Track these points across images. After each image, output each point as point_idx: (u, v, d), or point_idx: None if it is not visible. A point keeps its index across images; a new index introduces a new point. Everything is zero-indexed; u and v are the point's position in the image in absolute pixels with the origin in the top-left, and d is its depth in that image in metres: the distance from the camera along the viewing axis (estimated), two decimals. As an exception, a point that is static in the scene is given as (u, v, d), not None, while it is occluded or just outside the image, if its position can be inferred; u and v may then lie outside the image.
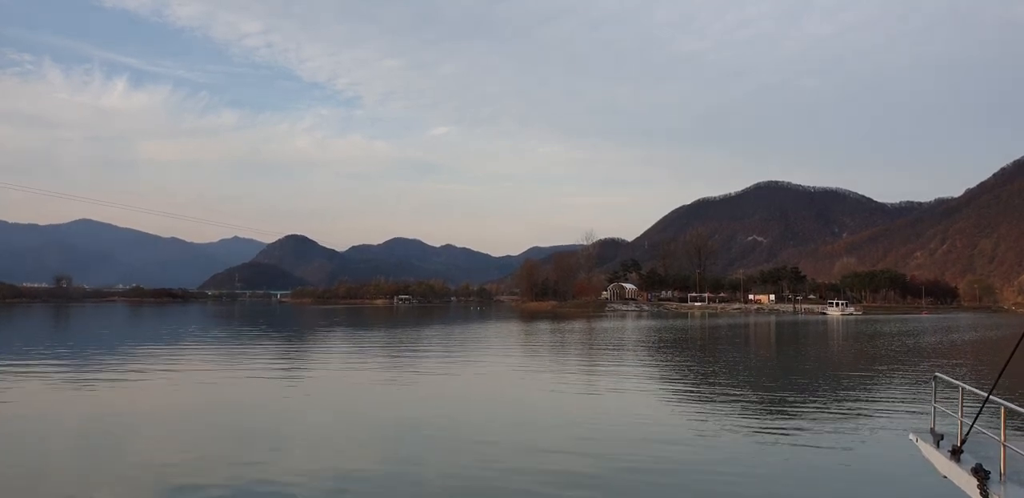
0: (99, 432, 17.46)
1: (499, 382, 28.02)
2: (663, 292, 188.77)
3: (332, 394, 24.23)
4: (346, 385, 26.73)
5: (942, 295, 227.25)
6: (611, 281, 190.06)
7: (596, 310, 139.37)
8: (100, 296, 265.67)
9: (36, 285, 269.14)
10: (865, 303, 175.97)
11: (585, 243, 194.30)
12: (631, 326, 78.27)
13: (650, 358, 39.07)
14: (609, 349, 45.00)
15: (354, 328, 73.18)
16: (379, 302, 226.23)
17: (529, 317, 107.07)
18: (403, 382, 27.36)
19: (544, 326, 77.51)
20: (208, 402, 22.22)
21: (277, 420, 19.33)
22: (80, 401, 22.17)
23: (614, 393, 24.58)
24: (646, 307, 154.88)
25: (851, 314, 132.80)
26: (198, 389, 25.14)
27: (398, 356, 39.21)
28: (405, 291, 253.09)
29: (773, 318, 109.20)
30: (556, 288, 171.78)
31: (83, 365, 32.41)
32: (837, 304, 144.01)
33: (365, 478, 13.09)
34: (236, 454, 14.91)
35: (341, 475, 13.23)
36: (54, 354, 38.05)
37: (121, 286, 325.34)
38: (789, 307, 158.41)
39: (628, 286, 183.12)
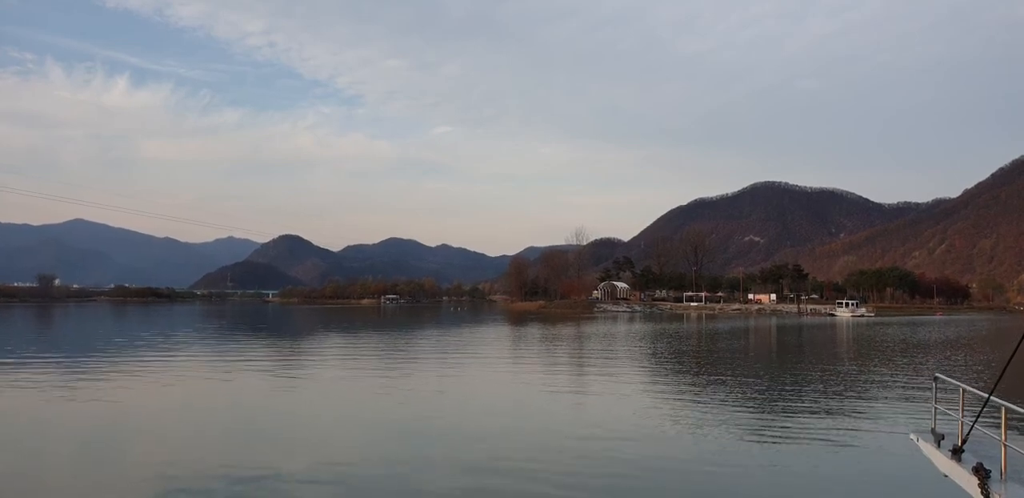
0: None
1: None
2: (657, 291, 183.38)
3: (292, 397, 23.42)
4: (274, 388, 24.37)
5: (952, 295, 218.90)
6: (603, 280, 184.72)
7: (584, 311, 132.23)
8: (83, 296, 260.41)
9: (23, 284, 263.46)
10: (872, 303, 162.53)
11: (575, 241, 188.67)
12: (617, 332, 71.93)
13: (643, 369, 35.28)
14: (592, 366, 40.33)
15: (290, 335, 67.45)
16: (365, 302, 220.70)
17: (510, 318, 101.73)
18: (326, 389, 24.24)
19: (515, 332, 71.98)
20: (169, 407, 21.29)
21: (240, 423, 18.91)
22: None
23: (605, 398, 23.56)
24: (638, 308, 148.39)
25: (863, 315, 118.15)
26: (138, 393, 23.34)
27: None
28: (393, 290, 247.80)
29: (775, 321, 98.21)
30: (546, 287, 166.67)
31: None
32: (847, 304, 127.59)
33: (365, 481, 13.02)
34: (232, 455, 14.85)
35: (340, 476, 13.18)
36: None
37: (113, 286, 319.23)
38: (792, 307, 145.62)
39: (620, 285, 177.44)
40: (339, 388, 25.66)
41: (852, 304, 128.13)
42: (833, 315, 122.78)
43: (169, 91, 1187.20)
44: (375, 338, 56.17)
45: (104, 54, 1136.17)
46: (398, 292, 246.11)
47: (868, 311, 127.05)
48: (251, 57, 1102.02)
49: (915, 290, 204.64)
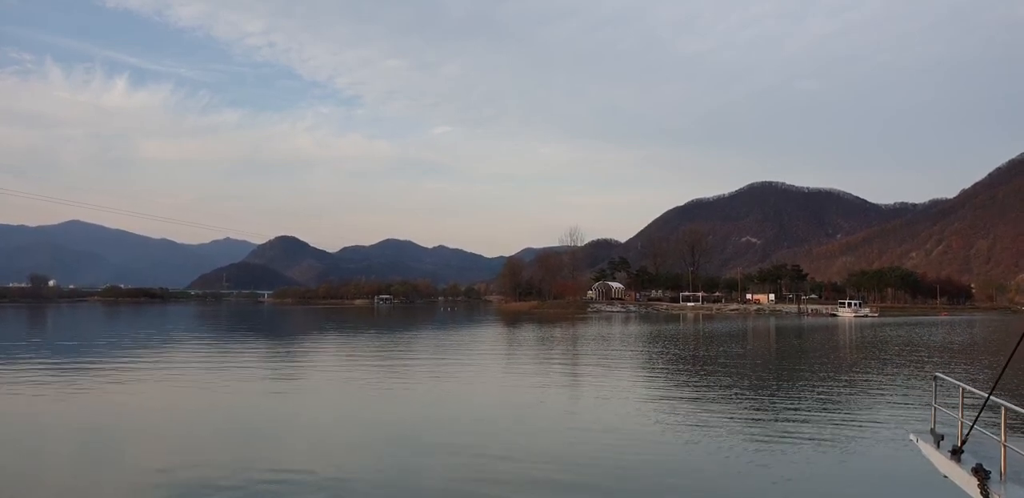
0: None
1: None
2: (653, 291, 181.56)
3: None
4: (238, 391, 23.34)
5: (954, 295, 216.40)
6: (598, 280, 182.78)
7: (577, 311, 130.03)
8: (76, 296, 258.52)
9: (17, 285, 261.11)
10: (873, 303, 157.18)
11: (570, 241, 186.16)
12: (610, 333, 69.42)
13: (637, 370, 34.04)
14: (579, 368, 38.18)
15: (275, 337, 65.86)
16: (358, 302, 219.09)
17: (501, 319, 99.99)
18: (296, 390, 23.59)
19: (501, 334, 69.98)
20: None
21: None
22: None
23: (605, 395, 23.53)
24: (633, 308, 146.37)
25: (866, 316, 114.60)
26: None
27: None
28: (388, 291, 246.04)
29: (775, 322, 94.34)
30: (540, 288, 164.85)
31: None
32: (849, 304, 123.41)
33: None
34: (229, 455, 14.81)
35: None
36: None
37: (107, 286, 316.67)
38: (792, 307, 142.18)
39: (615, 285, 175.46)
40: (330, 389, 25.35)
41: (855, 304, 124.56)
42: (835, 315, 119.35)
43: (168, 91, 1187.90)
44: (365, 338, 54.98)
45: (103, 54, 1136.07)
46: (392, 292, 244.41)
47: (871, 311, 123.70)
48: (250, 57, 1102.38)
49: (916, 290, 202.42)
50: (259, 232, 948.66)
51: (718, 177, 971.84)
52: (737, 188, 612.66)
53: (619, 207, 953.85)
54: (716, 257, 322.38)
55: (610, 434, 17.08)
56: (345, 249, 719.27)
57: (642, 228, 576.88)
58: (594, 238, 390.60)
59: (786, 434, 17.09)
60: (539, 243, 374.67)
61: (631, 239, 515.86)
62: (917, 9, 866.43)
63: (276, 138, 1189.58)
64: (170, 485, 12.40)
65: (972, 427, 7.58)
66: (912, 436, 8.84)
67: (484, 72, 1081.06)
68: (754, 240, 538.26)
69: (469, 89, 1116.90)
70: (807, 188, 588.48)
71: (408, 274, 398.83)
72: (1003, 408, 6.81)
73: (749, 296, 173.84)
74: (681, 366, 34.35)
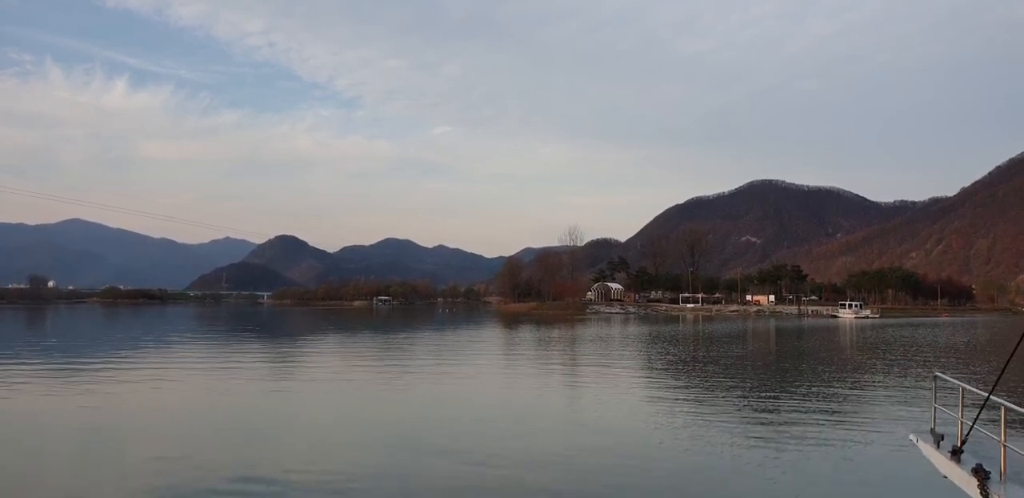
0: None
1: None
2: (652, 292, 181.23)
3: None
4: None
5: (955, 296, 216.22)
6: (597, 281, 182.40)
7: (576, 312, 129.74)
8: (74, 297, 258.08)
9: (17, 286, 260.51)
10: (874, 304, 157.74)
11: (569, 241, 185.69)
12: (609, 335, 69.49)
13: (637, 371, 34.19)
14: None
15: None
16: (357, 304, 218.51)
17: (499, 321, 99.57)
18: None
19: (498, 336, 69.92)
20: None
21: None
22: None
23: (604, 397, 23.83)
24: (632, 309, 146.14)
25: (867, 317, 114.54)
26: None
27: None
28: (387, 292, 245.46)
29: (775, 323, 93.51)
30: (539, 289, 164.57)
31: None
32: (850, 306, 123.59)
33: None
34: (228, 456, 14.87)
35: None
36: None
37: (106, 287, 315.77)
38: (792, 308, 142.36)
39: (614, 286, 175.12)
40: (330, 390, 25.39)
41: (856, 305, 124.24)
42: (836, 317, 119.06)
43: (169, 93, 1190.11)
44: (364, 340, 55.09)
45: (104, 55, 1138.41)
46: (392, 293, 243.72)
47: (872, 313, 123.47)
48: (251, 57, 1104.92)
49: (917, 291, 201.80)
50: (259, 232, 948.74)
51: (718, 177, 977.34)
52: (737, 186, 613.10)
53: (619, 207, 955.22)
54: (716, 257, 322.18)
55: (610, 436, 17.10)
56: (345, 249, 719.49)
57: (642, 227, 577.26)
58: (594, 238, 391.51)
59: (786, 435, 17.10)
60: (539, 243, 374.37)
61: (631, 238, 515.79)
62: (917, 9, 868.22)
63: (276, 139, 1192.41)
64: (170, 485, 12.41)
65: (972, 427, 7.53)
66: (912, 436, 8.80)
67: (484, 72, 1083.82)
68: (754, 239, 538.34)
69: (469, 89, 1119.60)
70: (807, 186, 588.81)
71: (408, 274, 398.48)
72: (1003, 408, 6.76)
73: (749, 297, 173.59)
74: (681, 368, 34.33)
